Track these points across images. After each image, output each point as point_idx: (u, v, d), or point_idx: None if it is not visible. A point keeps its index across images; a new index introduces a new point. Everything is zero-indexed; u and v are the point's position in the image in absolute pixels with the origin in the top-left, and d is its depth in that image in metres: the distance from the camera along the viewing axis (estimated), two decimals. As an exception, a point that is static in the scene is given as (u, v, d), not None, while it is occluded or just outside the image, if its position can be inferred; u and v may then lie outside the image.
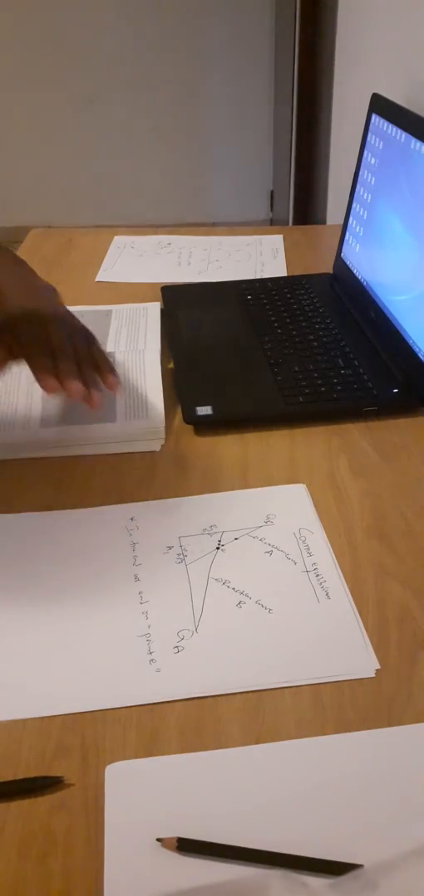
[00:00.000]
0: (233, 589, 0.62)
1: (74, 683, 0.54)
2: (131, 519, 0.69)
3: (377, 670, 0.55)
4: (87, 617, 0.59)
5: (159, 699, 0.53)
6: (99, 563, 0.65)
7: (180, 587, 0.62)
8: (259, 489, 0.73)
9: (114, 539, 0.67)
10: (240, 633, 0.58)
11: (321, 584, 0.62)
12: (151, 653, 0.56)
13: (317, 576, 0.63)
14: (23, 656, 0.56)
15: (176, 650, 0.56)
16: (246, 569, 0.64)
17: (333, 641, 0.57)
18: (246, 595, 0.61)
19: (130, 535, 0.68)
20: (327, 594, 0.61)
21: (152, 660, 0.56)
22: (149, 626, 0.58)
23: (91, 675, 0.55)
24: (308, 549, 0.65)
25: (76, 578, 0.63)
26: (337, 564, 0.64)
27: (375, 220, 1.02)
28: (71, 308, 1.07)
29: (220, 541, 0.67)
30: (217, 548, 0.66)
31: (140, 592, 0.62)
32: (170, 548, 0.66)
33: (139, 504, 0.71)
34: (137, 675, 0.54)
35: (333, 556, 0.65)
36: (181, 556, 0.65)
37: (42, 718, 0.52)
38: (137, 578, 0.63)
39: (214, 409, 0.83)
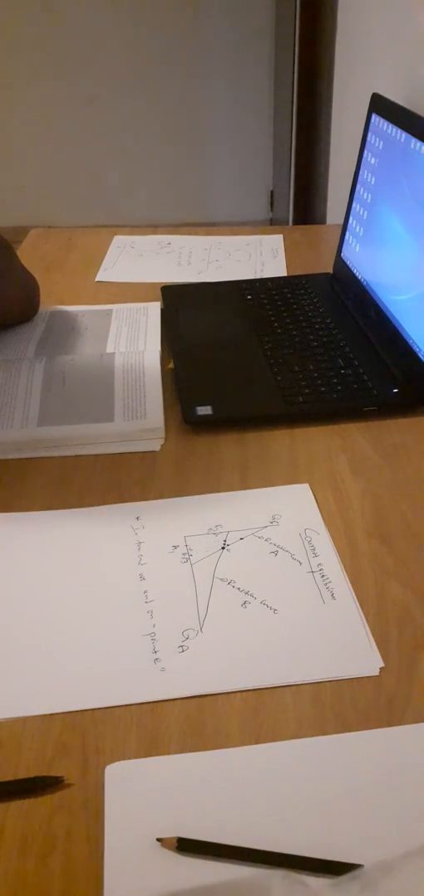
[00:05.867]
0: (238, 589, 0.62)
1: (78, 681, 0.54)
2: (137, 518, 0.69)
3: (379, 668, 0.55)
4: (91, 615, 0.59)
5: (164, 697, 0.53)
6: (104, 561, 0.65)
7: (186, 586, 0.62)
8: (264, 489, 0.73)
9: (119, 538, 0.67)
10: (245, 633, 0.58)
11: (326, 584, 0.62)
12: (155, 652, 0.56)
13: (322, 576, 0.63)
14: (25, 654, 0.56)
15: (181, 649, 0.56)
16: (251, 569, 0.64)
17: (338, 641, 0.57)
18: (251, 595, 0.61)
19: (136, 534, 0.68)
20: (332, 595, 0.61)
21: (157, 659, 0.56)
22: (154, 626, 0.58)
23: (95, 674, 0.55)
24: (314, 549, 0.65)
25: (81, 577, 0.63)
26: (342, 565, 0.64)
27: (375, 220, 1.02)
28: (71, 308, 1.08)
29: (225, 540, 0.67)
30: (223, 547, 0.66)
31: (145, 591, 0.61)
32: (175, 547, 0.66)
33: (145, 503, 0.71)
34: (141, 674, 0.54)
35: (338, 556, 0.65)
36: (187, 556, 0.65)
37: (42, 718, 0.52)
38: (142, 577, 0.63)
39: (214, 409, 0.83)
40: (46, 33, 3.17)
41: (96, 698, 0.53)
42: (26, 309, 1.03)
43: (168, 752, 0.49)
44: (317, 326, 1.00)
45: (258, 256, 1.27)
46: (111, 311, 1.07)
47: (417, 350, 0.86)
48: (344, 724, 0.51)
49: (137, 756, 0.49)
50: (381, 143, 1.02)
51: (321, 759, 0.49)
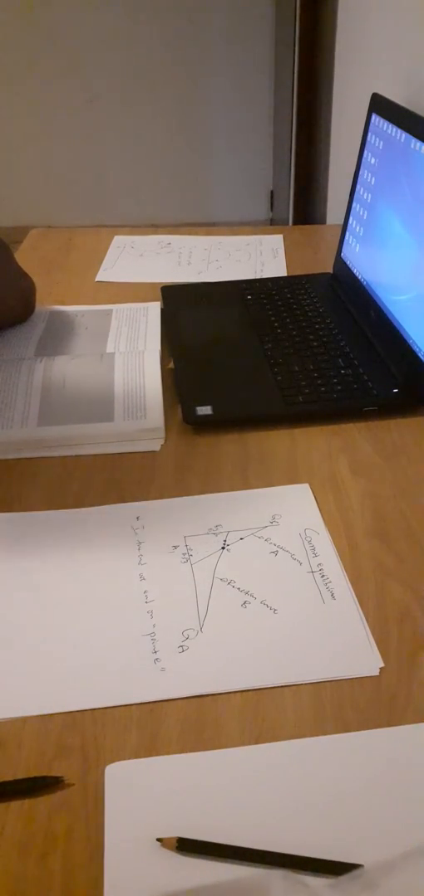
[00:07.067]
0: (238, 589, 0.62)
1: (78, 681, 0.54)
2: (137, 518, 0.69)
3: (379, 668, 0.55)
4: (91, 615, 0.59)
5: (164, 697, 0.53)
6: (104, 561, 0.65)
7: (186, 587, 0.62)
8: (264, 489, 0.73)
9: (119, 538, 0.67)
10: (245, 633, 0.58)
11: (326, 584, 0.62)
12: (155, 652, 0.56)
13: (322, 576, 0.63)
14: (26, 654, 0.56)
15: (181, 649, 0.56)
16: (251, 569, 0.64)
17: (338, 641, 0.57)
18: (251, 595, 0.61)
19: (136, 534, 0.68)
20: (332, 595, 0.61)
21: (157, 659, 0.56)
22: (154, 626, 0.58)
23: (96, 674, 0.55)
24: (314, 549, 0.65)
25: (81, 577, 0.63)
26: (342, 565, 0.64)
27: (375, 220, 1.02)
28: (71, 308, 1.08)
29: (225, 541, 0.67)
30: (223, 548, 0.66)
31: (145, 591, 0.61)
32: (175, 547, 0.66)
33: (145, 503, 0.71)
34: (141, 674, 0.54)
35: (338, 556, 0.65)
36: (187, 556, 0.65)
37: (42, 718, 0.52)
38: (142, 577, 0.63)
39: (214, 409, 0.83)
40: (47, 33, 3.17)
41: (96, 698, 0.53)
42: (22, 310, 1.03)
43: (168, 752, 0.49)
44: (317, 326, 1.00)
45: (258, 256, 1.27)
46: (111, 311, 1.07)
47: (417, 350, 0.86)
48: (344, 724, 0.51)
49: (137, 756, 0.49)
50: (381, 143, 1.02)
51: (321, 759, 0.49)
